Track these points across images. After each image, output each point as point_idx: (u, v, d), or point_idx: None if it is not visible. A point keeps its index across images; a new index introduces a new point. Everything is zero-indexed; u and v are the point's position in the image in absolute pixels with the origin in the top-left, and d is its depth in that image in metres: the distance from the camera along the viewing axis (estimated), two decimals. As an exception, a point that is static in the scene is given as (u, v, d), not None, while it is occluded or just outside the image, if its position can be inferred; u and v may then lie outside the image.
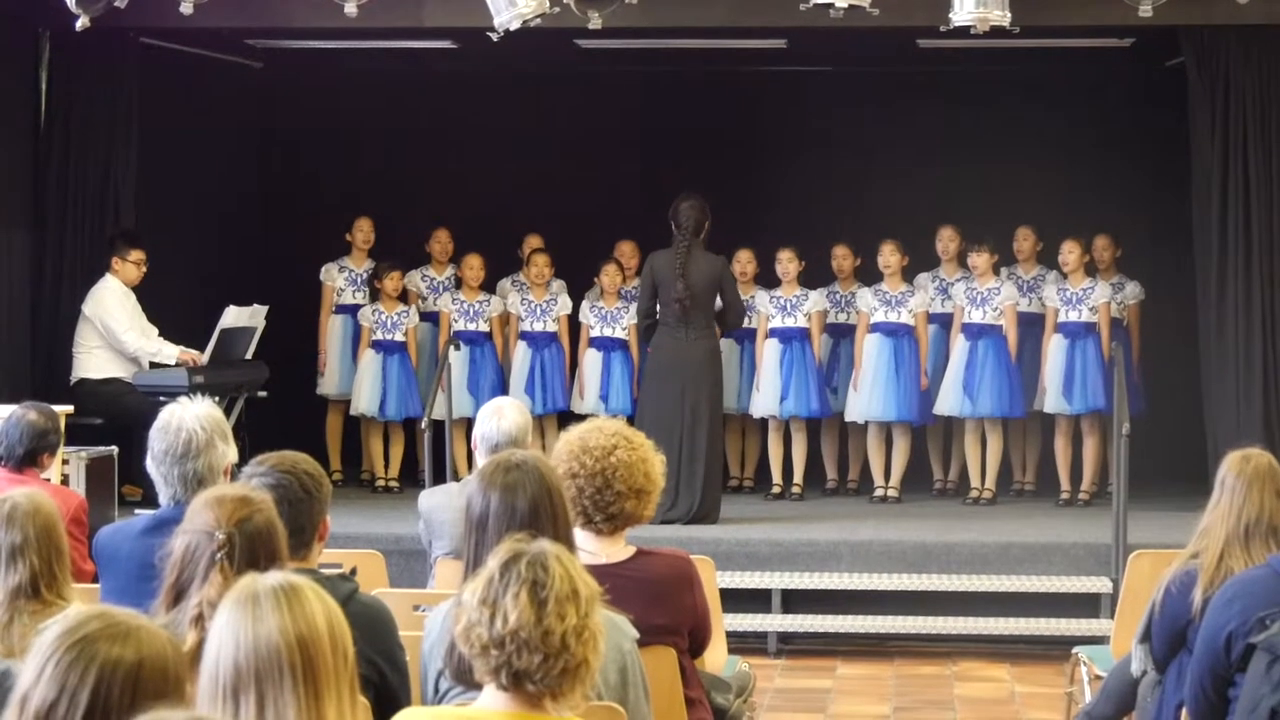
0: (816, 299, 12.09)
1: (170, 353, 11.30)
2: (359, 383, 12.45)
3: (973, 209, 12.60)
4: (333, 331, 12.78)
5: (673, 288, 10.91)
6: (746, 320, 12.20)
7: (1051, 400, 11.90)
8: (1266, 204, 11.17)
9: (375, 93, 13.93)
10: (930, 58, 12.68)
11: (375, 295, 12.56)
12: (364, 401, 12.41)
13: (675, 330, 11.01)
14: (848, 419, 12.17)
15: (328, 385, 12.75)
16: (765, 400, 12.03)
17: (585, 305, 12.39)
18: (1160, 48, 12.16)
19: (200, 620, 3.87)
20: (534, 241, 12.72)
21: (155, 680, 2.88)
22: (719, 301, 11.24)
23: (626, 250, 12.41)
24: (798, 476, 12.15)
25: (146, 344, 11.33)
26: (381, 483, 12.54)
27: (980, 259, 11.93)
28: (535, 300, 12.42)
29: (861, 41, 12.04)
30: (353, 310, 12.69)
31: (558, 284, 12.59)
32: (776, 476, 12.17)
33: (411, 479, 12.35)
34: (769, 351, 12.03)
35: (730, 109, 13.96)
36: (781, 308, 12.04)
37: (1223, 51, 11.21)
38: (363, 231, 12.77)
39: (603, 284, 12.37)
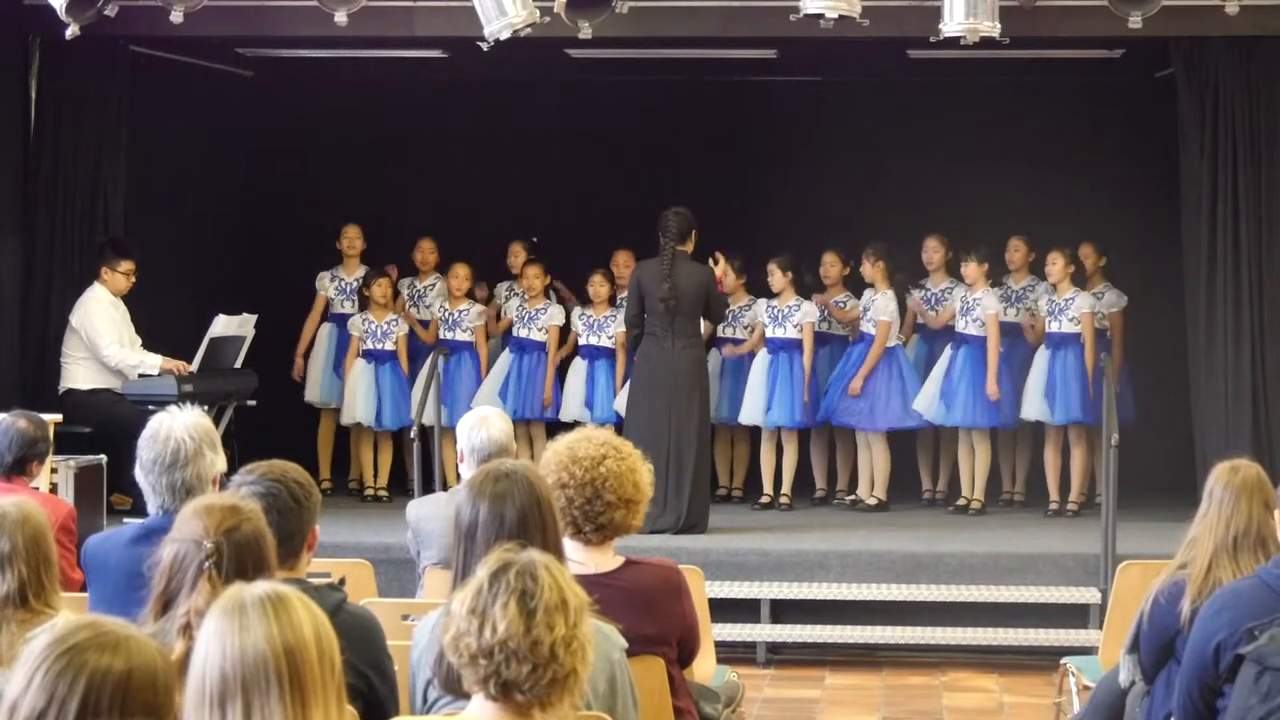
0: (808, 309, 12.09)
1: (153, 363, 11.27)
2: (352, 392, 12.44)
3: (963, 218, 12.60)
4: (320, 340, 12.79)
5: (658, 291, 10.92)
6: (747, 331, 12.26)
7: (1034, 409, 11.90)
8: (1255, 214, 11.19)
9: (366, 102, 13.92)
10: (920, 68, 12.70)
11: (366, 304, 12.57)
12: (359, 411, 12.41)
13: (661, 340, 11.00)
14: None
15: (311, 394, 12.76)
16: (751, 410, 12.05)
17: (575, 313, 12.40)
18: (1150, 59, 12.18)
19: (188, 629, 3.86)
20: (519, 252, 12.68)
21: (144, 690, 2.87)
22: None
23: (621, 260, 12.38)
24: (786, 486, 12.14)
25: (129, 356, 11.28)
26: (370, 491, 12.53)
27: (970, 268, 11.94)
28: (529, 308, 12.43)
29: (852, 52, 12.05)
30: (341, 320, 12.70)
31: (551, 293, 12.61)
32: (767, 486, 12.16)
33: (400, 488, 12.32)
34: (758, 361, 12.05)
35: (720, 119, 13.97)
36: (774, 318, 12.06)
37: (1212, 62, 11.24)
38: (348, 239, 12.78)
39: (589, 293, 12.37)
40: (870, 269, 12.03)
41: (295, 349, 12.76)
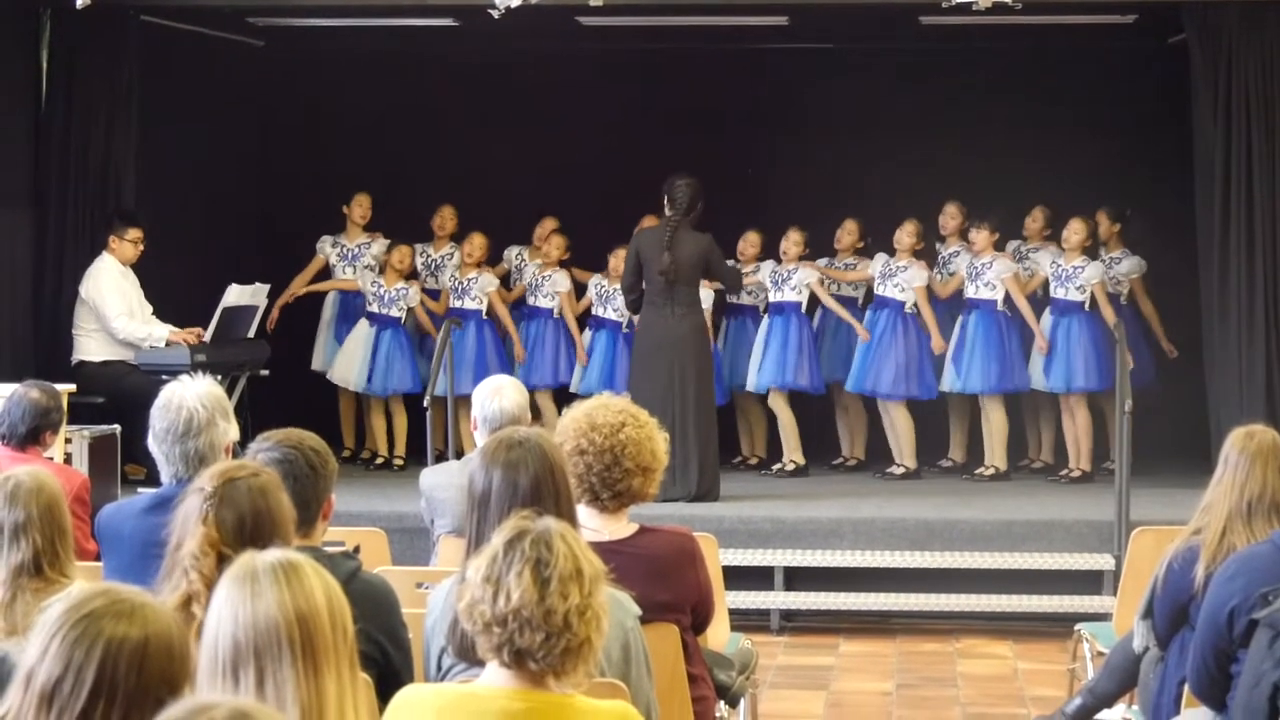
0: (804, 273, 12.05)
1: (160, 335, 11.25)
2: (347, 354, 12.43)
3: (976, 186, 12.56)
4: (326, 308, 12.84)
5: (657, 263, 10.86)
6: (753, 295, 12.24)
7: (1034, 378, 11.89)
8: (1269, 180, 11.14)
9: (377, 71, 13.89)
10: (933, 34, 12.66)
11: (380, 269, 12.60)
12: (350, 373, 12.40)
13: (661, 308, 10.94)
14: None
15: (316, 361, 12.78)
16: (752, 375, 12.07)
17: (592, 282, 12.41)
18: (1162, 24, 12.14)
19: (185, 574, 3.90)
20: (549, 224, 12.66)
21: (160, 658, 2.88)
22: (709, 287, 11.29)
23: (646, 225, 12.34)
24: (793, 449, 12.11)
25: (137, 329, 11.24)
26: (381, 459, 12.54)
27: (980, 236, 11.91)
28: (540, 275, 12.43)
29: (864, 18, 12.01)
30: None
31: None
32: (788, 452, 12.14)
33: (417, 457, 12.30)
34: (762, 326, 12.09)
35: (732, 86, 13.92)
36: (774, 281, 12.07)
37: (1225, 27, 11.18)
38: (361, 207, 12.76)
39: (609, 265, 12.35)
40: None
41: (308, 319, 12.77)
